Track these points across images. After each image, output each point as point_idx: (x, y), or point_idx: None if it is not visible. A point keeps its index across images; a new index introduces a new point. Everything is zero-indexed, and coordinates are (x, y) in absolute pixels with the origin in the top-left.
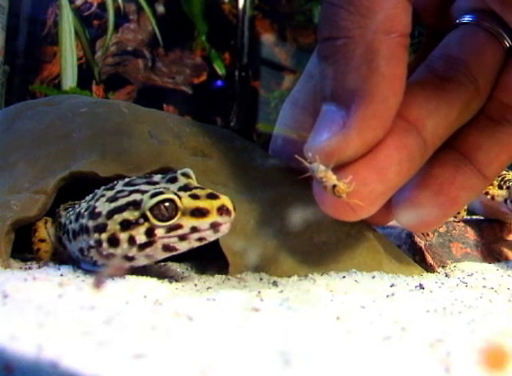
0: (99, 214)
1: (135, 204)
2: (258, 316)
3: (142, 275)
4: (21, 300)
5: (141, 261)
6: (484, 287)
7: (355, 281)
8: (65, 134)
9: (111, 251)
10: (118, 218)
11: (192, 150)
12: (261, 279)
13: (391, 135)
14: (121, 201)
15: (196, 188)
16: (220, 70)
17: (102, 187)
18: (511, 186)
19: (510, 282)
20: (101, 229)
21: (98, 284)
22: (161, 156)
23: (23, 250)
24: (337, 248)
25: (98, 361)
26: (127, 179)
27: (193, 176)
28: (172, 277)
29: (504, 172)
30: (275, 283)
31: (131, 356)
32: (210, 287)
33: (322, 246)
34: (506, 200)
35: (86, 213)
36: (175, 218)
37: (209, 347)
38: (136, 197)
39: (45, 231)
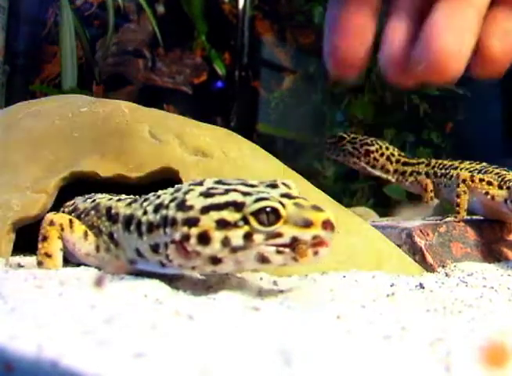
0: (191, 207)
1: (236, 205)
2: (258, 315)
3: (143, 274)
4: (22, 299)
5: (226, 266)
6: (484, 286)
7: (356, 281)
8: (65, 134)
9: (198, 248)
10: (215, 215)
11: (192, 149)
12: (261, 278)
13: None
14: (219, 199)
15: (299, 198)
16: (220, 70)
17: (186, 183)
18: (511, 187)
19: (510, 282)
20: (192, 222)
21: (98, 283)
22: (162, 156)
23: (23, 249)
24: (337, 248)
25: (98, 360)
26: (214, 178)
27: (294, 187)
28: (172, 277)
29: (504, 172)
30: (275, 283)
31: (132, 356)
32: (210, 287)
33: None
34: (506, 201)
35: (172, 205)
36: (276, 225)
37: (209, 346)
38: (236, 197)
39: (57, 243)
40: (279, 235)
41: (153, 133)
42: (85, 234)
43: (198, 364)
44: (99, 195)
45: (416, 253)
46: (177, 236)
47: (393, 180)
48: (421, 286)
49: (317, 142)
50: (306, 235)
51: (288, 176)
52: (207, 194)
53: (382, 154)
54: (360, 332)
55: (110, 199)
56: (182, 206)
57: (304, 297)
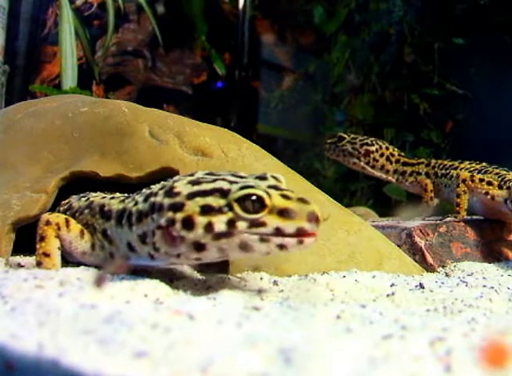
0: (178, 193)
1: (222, 192)
2: (259, 315)
3: (143, 274)
4: (22, 299)
5: (210, 253)
6: (484, 286)
7: (356, 280)
8: (65, 134)
9: (183, 233)
10: (200, 201)
11: (192, 149)
12: (261, 278)
13: None
14: (206, 186)
15: (287, 190)
16: (220, 70)
17: (178, 176)
18: (511, 186)
19: (510, 282)
20: (177, 207)
21: (99, 283)
22: (162, 156)
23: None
24: (337, 248)
25: (99, 359)
26: (206, 170)
27: (283, 182)
28: (173, 277)
29: (504, 172)
30: (275, 283)
31: (132, 355)
32: (210, 287)
33: (322, 246)
34: (506, 201)
35: (161, 192)
36: (261, 214)
37: (209, 346)
38: (223, 184)
39: (54, 242)
40: (262, 224)
41: (153, 133)
42: (81, 233)
43: (198, 364)
44: (93, 193)
45: (416, 253)
46: (163, 221)
47: (393, 180)
48: (421, 286)
49: (317, 142)
50: (290, 227)
51: (288, 176)
52: (194, 182)
53: (382, 154)
54: (360, 331)
55: (104, 197)
56: (170, 192)
57: (304, 297)
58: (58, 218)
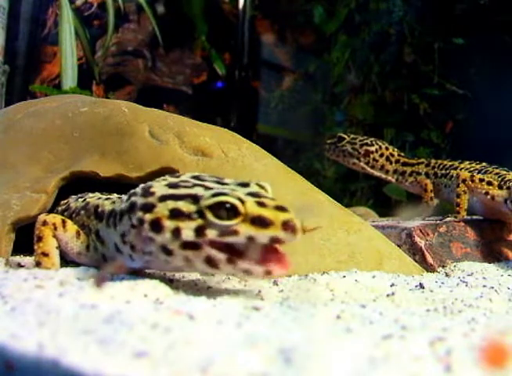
0: (152, 194)
1: (194, 198)
2: (259, 315)
3: (143, 274)
4: (22, 299)
5: (177, 261)
6: (484, 286)
7: (356, 280)
8: (65, 134)
9: (151, 235)
10: (171, 204)
11: (192, 149)
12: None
13: None
14: (181, 190)
15: (266, 197)
16: (220, 70)
17: (167, 175)
18: (511, 186)
19: (510, 282)
20: (148, 208)
21: (99, 283)
22: (162, 156)
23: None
24: (337, 248)
25: (99, 359)
26: (196, 173)
27: (269, 190)
28: (173, 277)
29: (504, 172)
30: (275, 283)
31: (132, 355)
32: (210, 287)
33: (322, 246)
34: (506, 201)
35: (139, 190)
36: (233, 222)
37: (210, 345)
38: (198, 191)
39: (52, 241)
40: (234, 232)
41: (153, 133)
42: (77, 234)
43: (198, 364)
44: (91, 194)
45: (416, 253)
46: (134, 220)
47: (393, 180)
48: (421, 286)
49: (317, 142)
50: (263, 236)
51: (288, 176)
52: (172, 185)
53: (382, 154)
54: (360, 331)
55: (99, 198)
56: (146, 192)
57: (304, 297)
58: (55, 218)
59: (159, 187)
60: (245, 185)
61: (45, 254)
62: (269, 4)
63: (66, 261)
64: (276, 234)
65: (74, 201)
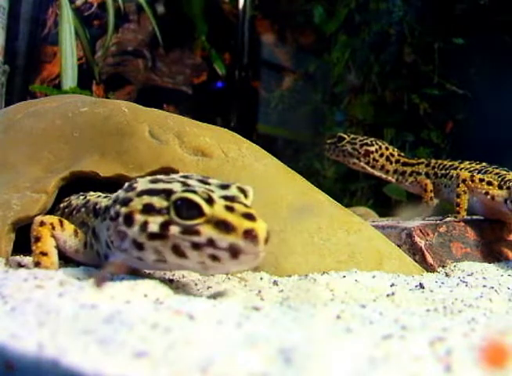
0: (134, 189)
1: (168, 194)
2: (259, 315)
3: (143, 274)
4: (22, 299)
5: (149, 254)
6: (484, 286)
7: (356, 280)
8: (65, 134)
9: (123, 228)
10: (146, 199)
11: (192, 149)
12: (261, 278)
13: None
14: (160, 185)
15: (240, 203)
16: (220, 70)
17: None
18: (511, 186)
19: (510, 282)
20: (125, 202)
21: (99, 283)
22: (162, 156)
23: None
24: (337, 248)
25: (99, 359)
26: (190, 174)
27: (250, 196)
28: (173, 277)
29: (504, 172)
30: (275, 283)
31: (132, 355)
32: (210, 287)
33: (322, 246)
34: (506, 201)
35: (126, 185)
36: (195, 222)
37: (210, 345)
38: (174, 186)
39: (50, 241)
40: (196, 232)
41: (153, 133)
42: (75, 232)
43: (198, 364)
44: (92, 193)
45: (416, 253)
46: (113, 212)
47: (393, 180)
48: (421, 286)
49: (317, 142)
50: (223, 241)
51: (288, 176)
52: (154, 181)
53: (382, 154)
54: (360, 331)
55: (99, 196)
56: (129, 187)
57: (304, 297)
58: (51, 219)
59: (142, 182)
60: (225, 187)
61: (44, 254)
62: (269, 4)
63: (66, 261)
64: (236, 241)
65: (76, 198)
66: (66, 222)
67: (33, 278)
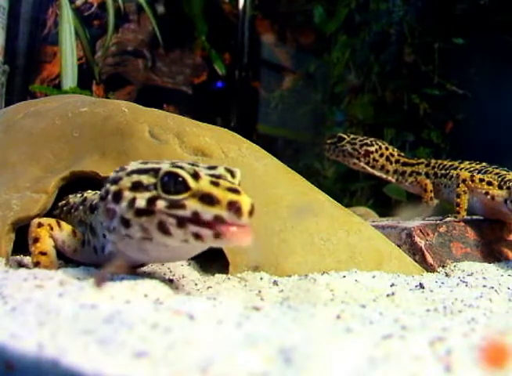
0: (124, 169)
1: (156, 171)
2: (259, 315)
3: (143, 274)
4: (22, 299)
5: (135, 231)
6: (484, 286)
7: (356, 280)
8: (65, 134)
9: (112, 206)
10: (135, 177)
11: (192, 149)
12: (261, 278)
13: None
14: (149, 165)
15: (226, 180)
16: (220, 70)
17: None
18: (511, 187)
19: (510, 282)
20: (115, 181)
21: (99, 283)
22: (161, 156)
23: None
24: (337, 248)
25: (99, 359)
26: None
27: (238, 176)
28: (173, 277)
29: (504, 172)
30: (275, 283)
31: (132, 355)
32: (210, 287)
33: (322, 246)
34: (506, 201)
35: (118, 167)
36: (181, 196)
37: (210, 345)
38: (161, 165)
39: (49, 241)
40: (181, 206)
41: (153, 133)
42: (73, 232)
43: (198, 364)
44: (90, 191)
45: (416, 253)
46: (102, 192)
47: (393, 180)
48: (421, 286)
49: (317, 142)
50: (208, 213)
51: (288, 176)
52: (144, 162)
53: (382, 155)
54: (360, 331)
55: (96, 193)
56: (120, 168)
57: (304, 297)
58: (49, 220)
59: (133, 164)
60: (212, 168)
61: (43, 254)
62: (269, 4)
63: (66, 261)
64: (220, 213)
65: (74, 197)
66: (63, 222)
67: (33, 278)
